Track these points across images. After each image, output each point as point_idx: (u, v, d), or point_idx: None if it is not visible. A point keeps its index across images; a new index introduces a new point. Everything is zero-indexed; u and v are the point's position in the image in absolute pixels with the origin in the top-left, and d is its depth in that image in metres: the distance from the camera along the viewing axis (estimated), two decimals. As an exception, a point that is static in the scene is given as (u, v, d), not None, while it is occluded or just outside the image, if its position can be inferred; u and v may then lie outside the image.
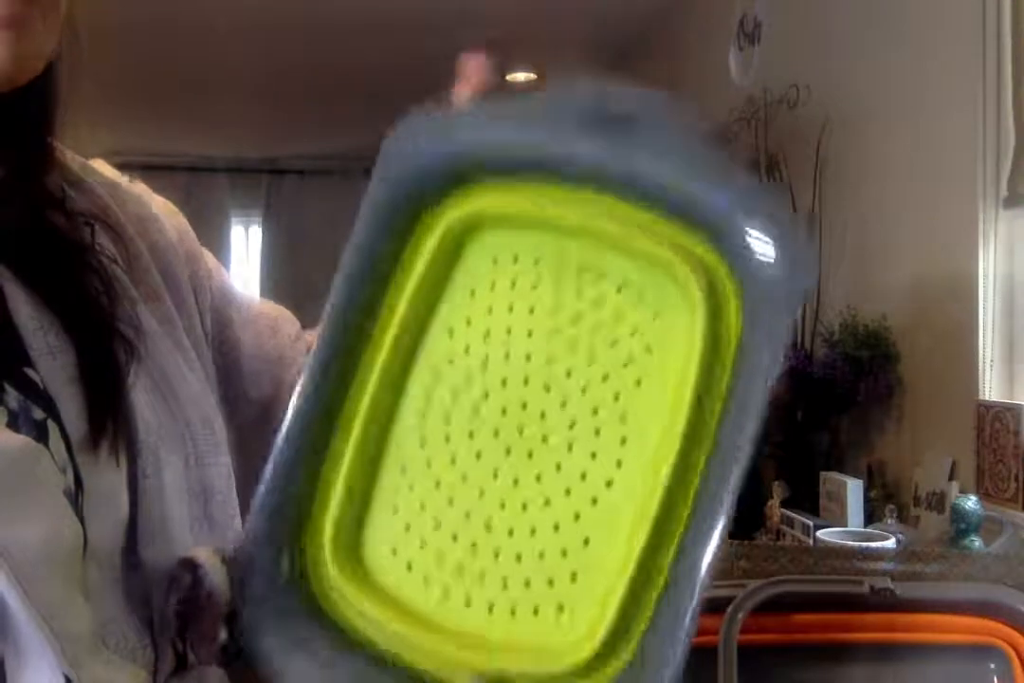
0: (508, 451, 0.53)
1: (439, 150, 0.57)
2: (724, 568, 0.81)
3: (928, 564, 0.78)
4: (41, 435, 0.51)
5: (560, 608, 0.50)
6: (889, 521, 1.52)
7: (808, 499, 1.80)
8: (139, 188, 0.70)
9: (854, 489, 1.66)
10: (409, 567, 0.53)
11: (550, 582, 0.50)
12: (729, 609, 0.74)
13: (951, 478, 1.59)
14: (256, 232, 5.86)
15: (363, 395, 0.55)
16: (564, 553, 0.50)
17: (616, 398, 0.52)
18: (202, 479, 0.60)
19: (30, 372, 0.54)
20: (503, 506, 0.52)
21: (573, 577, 0.50)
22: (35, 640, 0.46)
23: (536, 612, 0.50)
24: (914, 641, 0.76)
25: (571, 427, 0.52)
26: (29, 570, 0.47)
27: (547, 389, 0.53)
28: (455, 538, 0.52)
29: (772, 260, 0.51)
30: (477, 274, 0.57)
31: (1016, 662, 0.74)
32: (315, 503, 0.55)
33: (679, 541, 0.47)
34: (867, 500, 1.69)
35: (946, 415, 1.66)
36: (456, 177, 0.57)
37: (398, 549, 0.54)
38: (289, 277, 5.69)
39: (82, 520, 0.52)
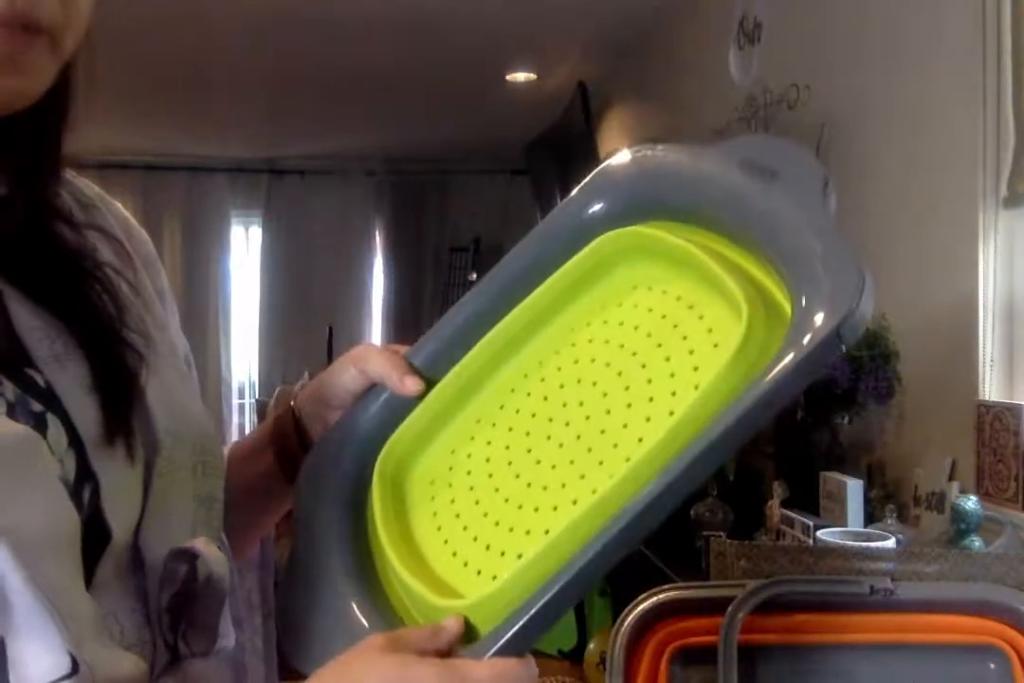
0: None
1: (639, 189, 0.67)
2: (724, 568, 0.81)
3: (928, 564, 0.78)
4: (39, 425, 0.52)
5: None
6: (889, 521, 1.52)
7: (808, 499, 1.79)
8: (146, 235, 0.72)
9: (854, 489, 1.66)
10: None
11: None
12: (729, 609, 0.74)
13: (951, 478, 1.59)
14: (256, 232, 5.85)
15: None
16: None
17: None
18: (208, 487, 0.62)
19: (30, 371, 0.55)
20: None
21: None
22: (39, 621, 0.46)
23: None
24: (914, 641, 0.76)
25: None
26: (32, 551, 0.47)
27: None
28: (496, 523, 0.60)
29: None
30: (616, 290, 0.66)
31: (1016, 662, 0.74)
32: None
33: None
34: (867, 500, 1.69)
35: (946, 415, 1.66)
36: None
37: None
38: (288, 277, 5.69)
39: (103, 515, 0.53)
